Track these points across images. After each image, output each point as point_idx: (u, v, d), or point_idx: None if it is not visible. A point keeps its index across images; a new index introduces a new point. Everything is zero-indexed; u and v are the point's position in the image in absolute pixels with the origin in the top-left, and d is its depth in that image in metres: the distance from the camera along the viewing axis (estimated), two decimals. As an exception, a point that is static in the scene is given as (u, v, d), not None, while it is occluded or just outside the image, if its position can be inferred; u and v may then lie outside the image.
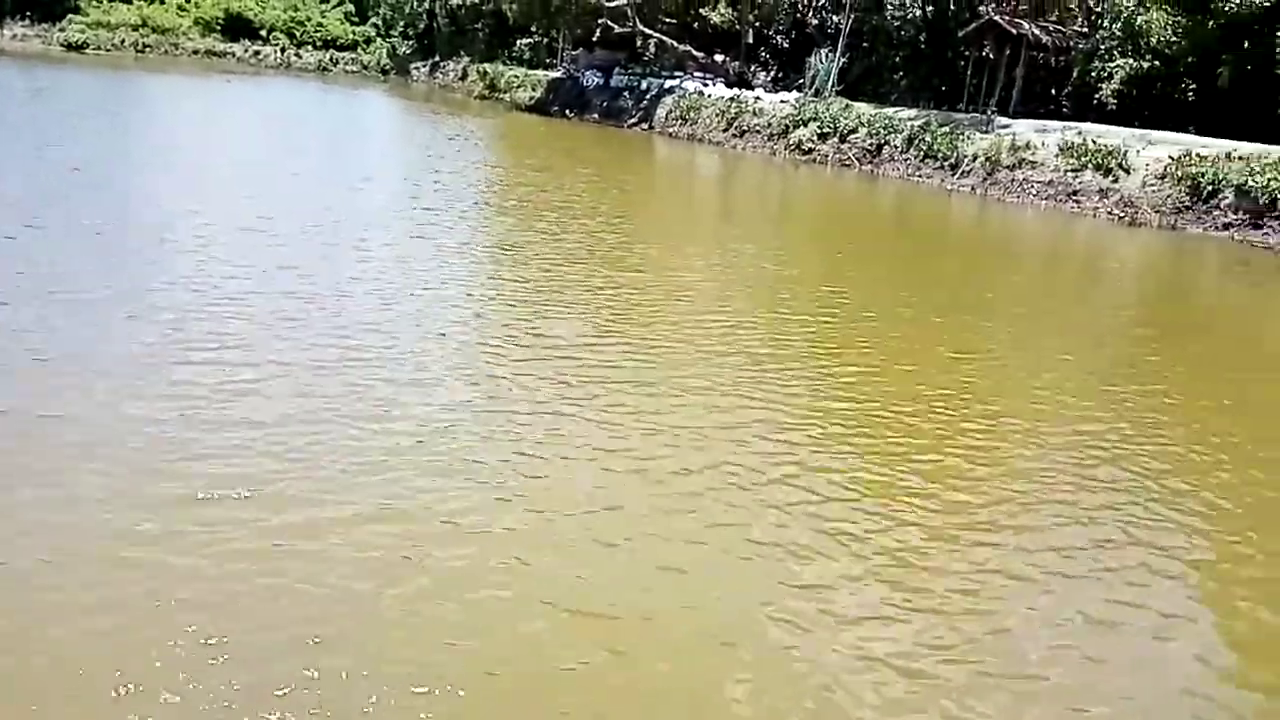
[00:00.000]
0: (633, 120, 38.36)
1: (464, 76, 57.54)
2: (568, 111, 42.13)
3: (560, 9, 41.89)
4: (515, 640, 4.50)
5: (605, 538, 5.44)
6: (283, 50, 67.75)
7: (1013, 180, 24.32)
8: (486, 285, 10.95)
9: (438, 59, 64.65)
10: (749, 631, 4.71)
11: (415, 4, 65.31)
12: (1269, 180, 19.32)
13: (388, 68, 68.26)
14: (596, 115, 40.57)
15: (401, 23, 69.21)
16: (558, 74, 47.77)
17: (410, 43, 69.79)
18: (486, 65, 55.42)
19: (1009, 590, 5.26)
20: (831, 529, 5.76)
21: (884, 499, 6.19)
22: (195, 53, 64.91)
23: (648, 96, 38.77)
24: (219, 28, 68.45)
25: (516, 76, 50.88)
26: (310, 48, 68.96)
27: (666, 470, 6.36)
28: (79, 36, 60.62)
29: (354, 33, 71.66)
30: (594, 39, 42.67)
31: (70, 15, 62.80)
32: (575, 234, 14.10)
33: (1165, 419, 8.25)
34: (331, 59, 68.24)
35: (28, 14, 62.22)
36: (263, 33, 68.65)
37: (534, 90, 47.58)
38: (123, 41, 62.19)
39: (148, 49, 62.85)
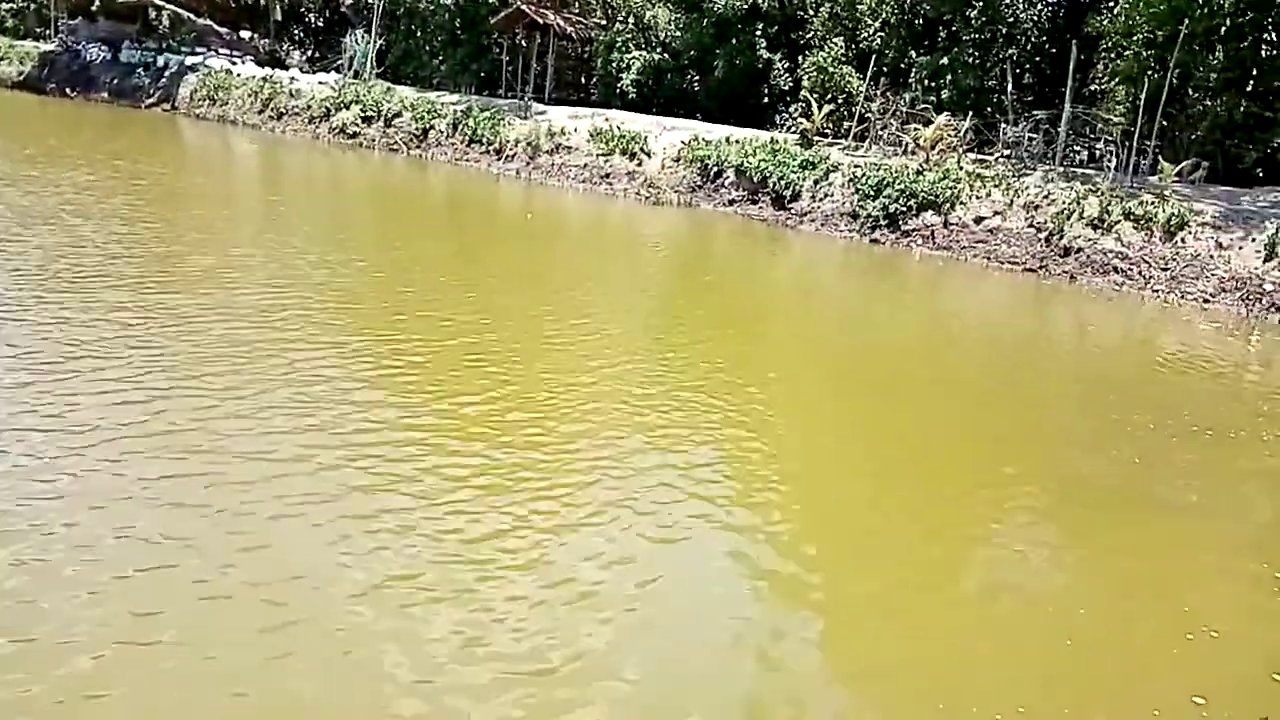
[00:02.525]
0: (151, 100, 34.52)
1: (-78, 46, 47.69)
2: (69, 90, 36.81)
3: (46, -29, 36.24)
4: None
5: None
6: None
7: (553, 164, 25.62)
8: None
9: (-116, 22, 52.85)
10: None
11: None
12: (759, 162, 22.32)
13: None
14: (105, 94, 35.92)
15: None
16: (52, 46, 41.40)
17: None
18: (-44, 34, 46.46)
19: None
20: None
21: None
22: None
23: (167, 74, 35.09)
24: None
25: (-2, 47, 43.31)
26: None
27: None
28: None
29: None
30: (95, 8, 37.52)
31: None
32: (108, 244, 12.00)
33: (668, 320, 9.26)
34: None
35: None
36: None
37: (23, 65, 40.81)
38: None
39: None
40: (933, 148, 21.77)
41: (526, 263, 15.46)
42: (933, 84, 25.89)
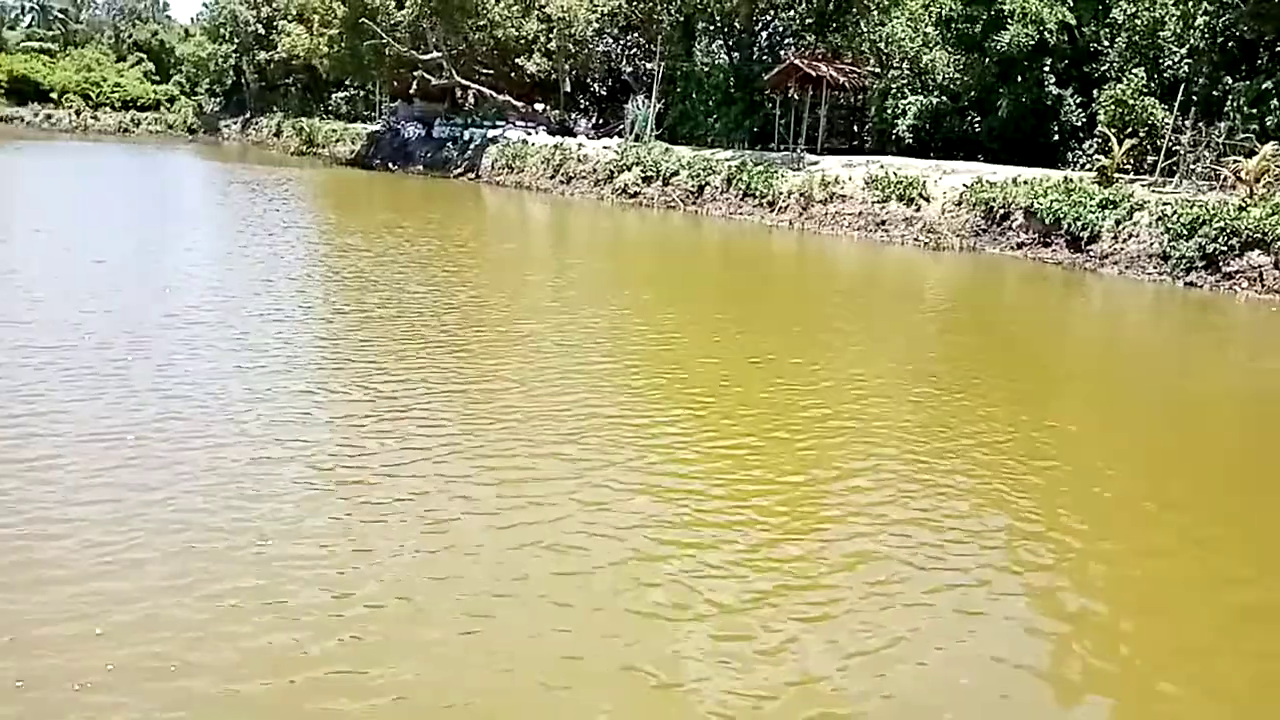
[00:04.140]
0: (459, 170, 38.25)
1: (279, 133, 55.93)
2: (391, 164, 41.61)
3: (374, 62, 41.34)
4: None
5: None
6: (77, 113, 63.98)
7: (826, 214, 25.62)
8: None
9: (249, 115, 62.55)
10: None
11: (220, 61, 62.97)
12: (1051, 202, 21.11)
13: (195, 127, 65.52)
14: (421, 167, 40.26)
15: (207, 80, 66.61)
16: (377, 127, 47.14)
17: (218, 100, 67.32)
18: (302, 120, 54.10)
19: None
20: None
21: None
22: (-23, 118, 60.56)
23: (472, 146, 38.79)
24: (2, 91, 64.03)
25: (335, 130, 49.93)
26: (109, 109, 65.41)
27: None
28: None
29: (156, 92, 68.48)
30: (412, 91, 42.32)
31: None
32: (444, 315, 12.79)
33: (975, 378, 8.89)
34: (133, 120, 64.99)
35: None
36: (54, 95, 64.61)
37: (354, 144, 46.80)
38: (-111, 110, 57.35)
39: (-80, 116, 58.22)
40: (1257, 180, 19.58)
41: (829, 319, 15.13)
42: (1253, 111, 23.33)
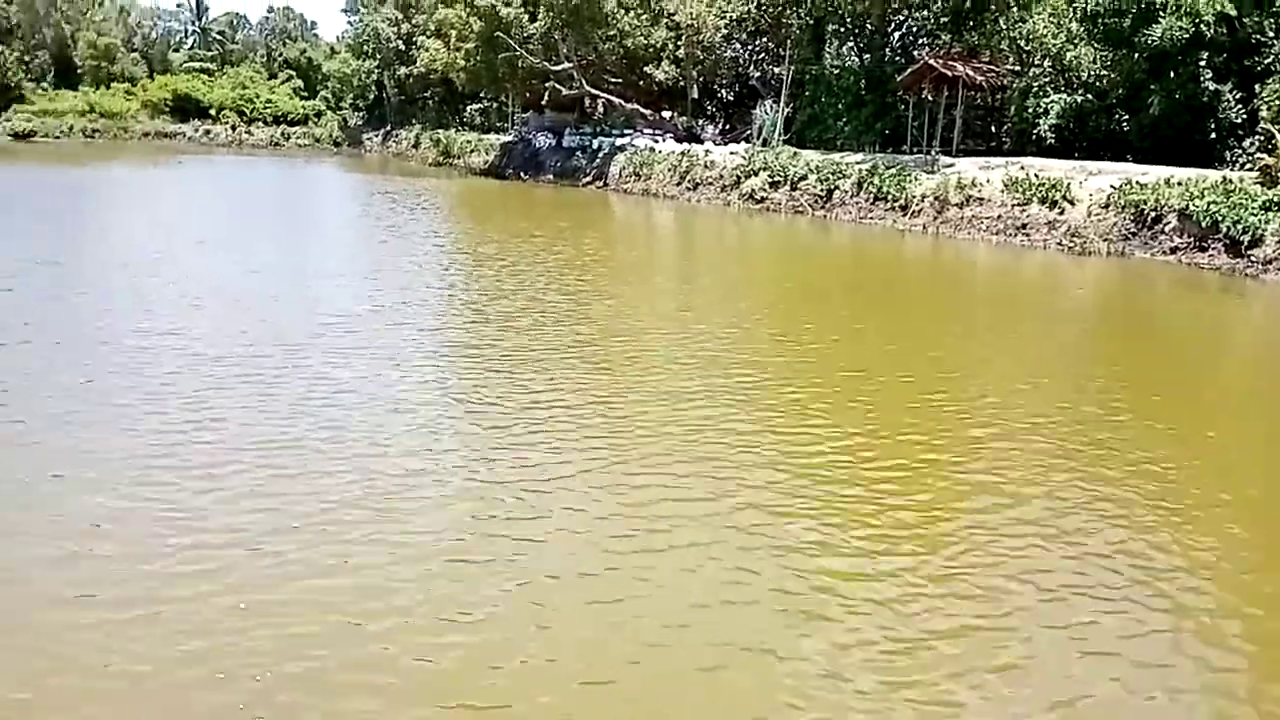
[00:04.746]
0: (587, 179, 38.88)
1: (417, 144, 58.09)
2: (522, 174, 42.63)
3: (508, 74, 42.49)
4: None
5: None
6: (233, 128, 68.21)
7: (962, 217, 24.88)
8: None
9: (390, 128, 65.22)
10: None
11: (363, 76, 65.94)
12: (1208, 204, 19.92)
13: (340, 140, 68.83)
14: (551, 176, 41.07)
15: (351, 95, 69.80)
16: (510, 137, 48.37)
17: (361, 114, 70.44)
18: (439, 132, 56.06)
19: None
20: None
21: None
22: (145, 135, 65.11)
23: (600, 155, 39.37)
24: (167, 109, 68.76)
25: (469, 142, 51.50)
26: (261, 124, 69.48)
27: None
28: (25, 125, 60.76)
29: (304, 107, 72.30)
30: (543, 101, 43.27)
31: (15, 105, 62.98)
32: (578, 325, 12.97)
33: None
34: (283, 134, 68.80)
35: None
36: (212, 112, 69.06)
37: (487, 154, 48.14)
38: (70, 128, 62.23)
39: (96, 134, 62.98)
40: None
41: (980, 330, 14.69)
42: None
